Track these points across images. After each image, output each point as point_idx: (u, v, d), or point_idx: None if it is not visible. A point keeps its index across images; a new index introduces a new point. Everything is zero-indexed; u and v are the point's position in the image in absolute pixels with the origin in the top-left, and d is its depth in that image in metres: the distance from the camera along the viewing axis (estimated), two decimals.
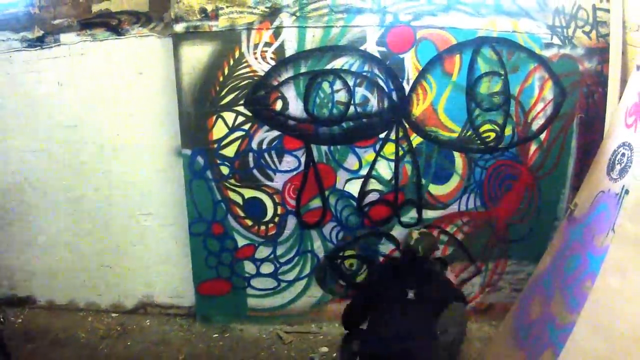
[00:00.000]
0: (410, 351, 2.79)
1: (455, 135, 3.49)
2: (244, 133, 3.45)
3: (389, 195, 3.59)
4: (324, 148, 3.49)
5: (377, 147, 3.51)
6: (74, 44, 3.52)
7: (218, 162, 3.51)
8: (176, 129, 3.49)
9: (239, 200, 3.58)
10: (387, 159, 3.54)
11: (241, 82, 3.36)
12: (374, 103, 3.42)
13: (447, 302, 3.03)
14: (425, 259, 3.26)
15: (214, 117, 3.42)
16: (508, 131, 3.52)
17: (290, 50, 3.32)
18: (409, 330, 2.83)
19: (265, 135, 3.45)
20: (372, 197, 3.58)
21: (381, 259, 3.72)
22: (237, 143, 3.47)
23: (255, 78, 3.35)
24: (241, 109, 3.40)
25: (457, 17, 3.33)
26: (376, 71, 3.37)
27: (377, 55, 3.35)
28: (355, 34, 3.31)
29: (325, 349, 3.59)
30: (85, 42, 3.51)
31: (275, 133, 3.45)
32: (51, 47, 3.54)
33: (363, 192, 3.59)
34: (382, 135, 3.49)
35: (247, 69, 3.34)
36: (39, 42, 3.54)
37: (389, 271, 3.29)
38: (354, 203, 3.62)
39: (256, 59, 3.33)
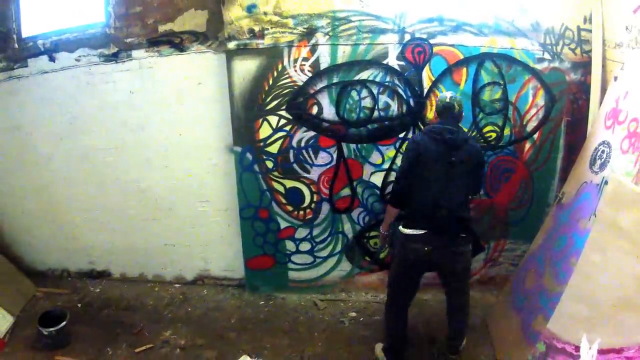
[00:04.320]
0: (451, 217, 2.74)
1: None
2: (285, 133, 3.58)
3: None
4: (353, 146, 3.61)
5: (397, 145, 3.61)
6: (143, 58, 3.59)
7: (264, 157, 3.63)
8: (229, 130, 3.60)
9: (281, 189, 3.72)
10: None
11: (283, 91, 3.48)
12: (394, 108, 3.53)
13: (480, 168, 2.93)
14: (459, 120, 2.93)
15: (261, 120, 3.55)
16: (507, 132, 3.60)
17: (324, 64, 3.43)
18: (451, 193, 2.76)
19: (303, 135, 3.59)
20: None
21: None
22: (280, 142, 3.60)
23: (295, 87, 3.47)
24: (283, 113, 3.53)
25: (464, 36, 3.39)
26: (396, 81, 3.47)
27: (397, 68, 3.44)
28: (379, 50, 3.41)
29: (353, 314, 3.75)
30: (153, 57, 3.59)
31: (312, 133, 3.58)
32: (124, 61, 3.61)
33: (385, 183, 3.70)
34: (401, 135, 3.59)
35: (288, 80, 3.46)
36: (113, 57, 3.61)
37: (433, 135, 2.83)
38: (378, 192, 3.73)
39: (296, 71, 3.44)
